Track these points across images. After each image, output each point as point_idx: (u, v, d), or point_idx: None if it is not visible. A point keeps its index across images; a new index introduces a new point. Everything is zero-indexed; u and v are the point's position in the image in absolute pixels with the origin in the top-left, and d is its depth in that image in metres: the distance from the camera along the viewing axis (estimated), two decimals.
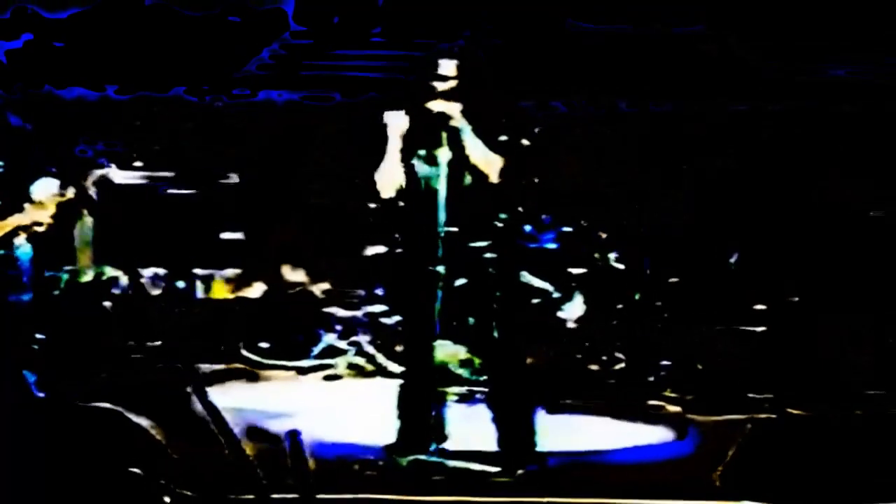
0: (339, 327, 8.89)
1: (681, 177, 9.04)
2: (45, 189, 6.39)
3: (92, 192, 7.30)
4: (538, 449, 6.53)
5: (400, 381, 6.73)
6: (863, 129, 9.10)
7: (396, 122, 6.43)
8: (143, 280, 8.65)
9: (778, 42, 9.12)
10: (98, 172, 6.46)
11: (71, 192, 6.33)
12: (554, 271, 8.37)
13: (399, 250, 6.66)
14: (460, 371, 7.01)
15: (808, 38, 9.04)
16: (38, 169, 6.58)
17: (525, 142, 6.48)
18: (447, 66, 6.41)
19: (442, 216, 6.38)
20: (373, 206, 6.52)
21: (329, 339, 8.89)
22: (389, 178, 6.46)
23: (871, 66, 9.16)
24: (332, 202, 8.99)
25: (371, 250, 8.29)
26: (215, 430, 5.55)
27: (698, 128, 9.13)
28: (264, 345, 8.78)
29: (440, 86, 6.38)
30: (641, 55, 9.09)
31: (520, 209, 6.56)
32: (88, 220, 7.62)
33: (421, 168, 6.47)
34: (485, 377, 6.71)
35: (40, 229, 6.32)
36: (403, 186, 6.44)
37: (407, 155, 6.43)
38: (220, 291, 8.88)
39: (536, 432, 6.54)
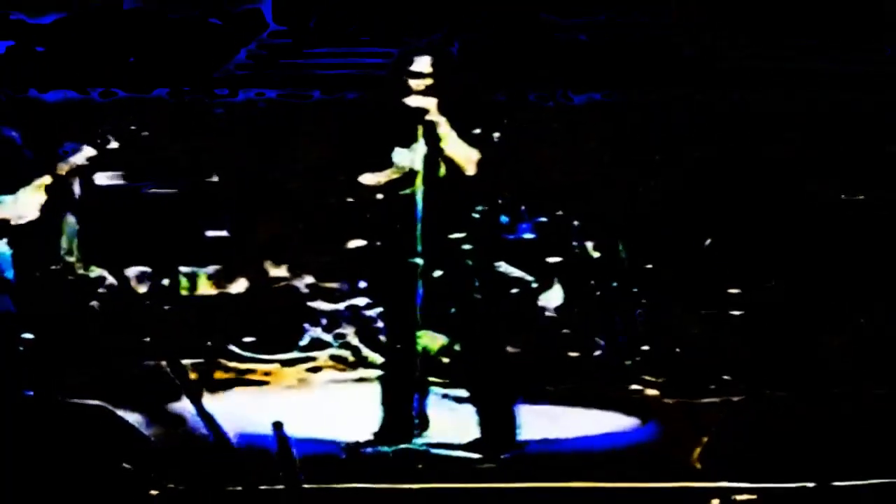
0: (323, 320, 8.90)
1: (656, 165, 9.04)
2: (30, 188, 6.42)
3: (75, 188, 7.33)
4: (519, 435, 6.57)
5: (383, 371, 6.79)
6: (840, 117, 9.09)
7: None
8: (128, 278, 8.68)
9: (754, 32, 9.12)
10: (77, 161, 6.47)
11: (49, 181, 6.34)
12: (532, 261, 8.40)
13: (379, 243, 6.70)
14: (442, 360, 7.04)
15: (788, 28, 9.04)
16: (25, 170, 6.60)
17: (498, 134, 6.53)
18: (422, 62, 6.45)
19: (420, 209, 6.42)
20: (351, 200, 6.57)
21: (313, 332, 8.89)
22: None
23: (852, 56, 9.16)
24: (312, 197, 8.99)
25: (353, 244, 8.32)
26: (202, 423, 5.63)
27: (673, 117, 9.12)
28: (249, 339, 8.79)
29: (415, 82, 6.43)
30: (615, 45, 9.08)
31: (497, 200, 6.59)
32: (72, 218, 7.63)
33: (399, 162, 6.51)
34: (466, 365, 6.72)
35: (22, 223, 6.34)
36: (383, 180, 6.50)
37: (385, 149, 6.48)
38: (205, 287, 8.89)
39: (517, 419, 6.58)
